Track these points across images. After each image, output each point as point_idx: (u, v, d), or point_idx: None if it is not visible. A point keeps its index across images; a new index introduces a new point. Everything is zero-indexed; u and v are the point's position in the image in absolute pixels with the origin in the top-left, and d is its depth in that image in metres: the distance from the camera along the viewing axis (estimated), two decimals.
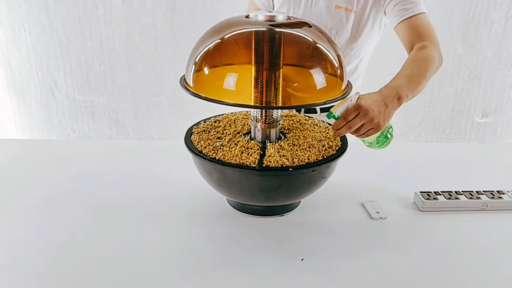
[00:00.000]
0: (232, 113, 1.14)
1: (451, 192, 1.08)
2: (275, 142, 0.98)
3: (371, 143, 1.04)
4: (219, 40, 0.90)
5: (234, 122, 1.08)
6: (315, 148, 0.96)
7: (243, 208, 1.03)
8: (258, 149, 0.94)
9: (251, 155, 0.92)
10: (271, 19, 0.89)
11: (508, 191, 1.09)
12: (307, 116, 1.14)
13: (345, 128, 0.90)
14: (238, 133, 1.02)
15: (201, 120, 1.10)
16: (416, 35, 1.17)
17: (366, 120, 0.90)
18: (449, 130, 2.60)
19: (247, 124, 1.06)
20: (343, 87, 0.93)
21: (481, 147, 1.64)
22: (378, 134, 0.99)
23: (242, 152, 0.93)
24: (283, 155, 0.92)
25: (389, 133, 1.03)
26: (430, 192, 1.08)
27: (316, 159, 0.92)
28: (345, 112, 0.90)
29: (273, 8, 1.38)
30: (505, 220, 1.03)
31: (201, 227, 0.98)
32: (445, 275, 0.85)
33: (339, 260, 0.88)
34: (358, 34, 1.31)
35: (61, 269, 0.85)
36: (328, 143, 0.98)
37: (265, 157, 0.92)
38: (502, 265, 0.89)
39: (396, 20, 1.23)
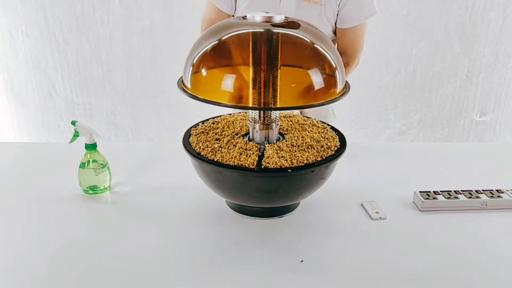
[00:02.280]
0: (230, 114, 1.14)
1: (450, 191, 1.08)
2: (274, 143, 0.98)
3: None
4: (217, 42, 0.89)
5: (233, 123, 1.08)
6: (313, 148, 0.96)
7: (242, 210, 1.03)
8: (256, 150, 0.94)
9: (249, 156, 0.92)
10: (268, 20, 0.89)
11: (507, 190, 1.09)
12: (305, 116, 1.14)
13: None
14: (237, 134, 1.02)
15: (199, 122, 1.10)
16: (346, 47, 1.41)
17: None
18: (448, 129, 2.60)
19: (246, 126, 1.06)
20: (341, 88, 0.93)
21: (480, 146, 1.64)
22: None
23: (240, 154, 0.93)
24: (282, 156, 0.92)
25: None
26: (429, 191, 1.08)
27: (315, 159, 0.92)
28: None
29: (235, 8, 1.40)
30: (505, 219, 1.03)
31: (200, 229, 0.98)
32: (445, 274, 0.85)
33: (338, 261, 0.88)
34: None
35: (60, 271, 0.84)
36: (326, 144, 0.98)
37: (264, 158, 0.91)
38: (502, 264, 0.88)
39: (339, 24, 1.37)
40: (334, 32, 1.42)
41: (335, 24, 1.39)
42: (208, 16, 1.45)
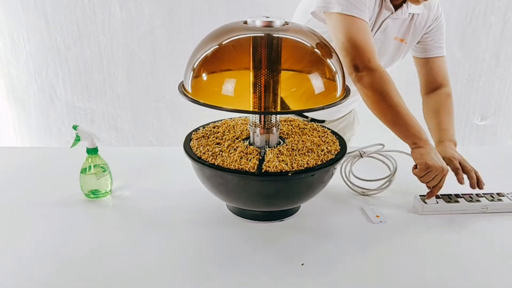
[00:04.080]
0: (231, 118, 1.14)
1: (450, 195, 1.08)
2: (274, 147, 0.98)
3: None
4: (217, 46, 0.90)
5: (233, 127, 1.08)
6: (314, 152, 0.96)
7: (242, 214, 1.03)
8: (257, 154, 0.94)
9: (250, 160, 0.92)
10: (269, 24, 0.89)
11: (508, 193, 1.09)
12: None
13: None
14: (237, 138, 1.02)
15: (200, 126, 1.10)
16: (438, 76, 1.36)
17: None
18: None
19: (246, 130, 1.06)
20: (341, 92, 0.93)
21: (481, 150, 1.64)
22: None
23: (241, 158, 0.93)
24: (282, 160, 0.92)
25: None
26: None
27: (315, 163, 0.92)
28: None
29: None
30: (506, 222, 1.03)
31: (201, 232, 0.98)
32: (446, 279, 0.85)
33: (339, 265, 0.88)
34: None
35: (61, 275, 0.85)
36: (327, 148, 0.98)
37: (264, 162, 0.92)
38: (503, 268, 0.88)
39: (424, 54, 1.36)
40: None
41: (417, 53, 1.38)
42: (360, 34, 1.13)
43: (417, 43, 1.36)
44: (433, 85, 1.36)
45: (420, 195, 1.07)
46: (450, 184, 1.08)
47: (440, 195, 1.08)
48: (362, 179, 1.14)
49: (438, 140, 1.21)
